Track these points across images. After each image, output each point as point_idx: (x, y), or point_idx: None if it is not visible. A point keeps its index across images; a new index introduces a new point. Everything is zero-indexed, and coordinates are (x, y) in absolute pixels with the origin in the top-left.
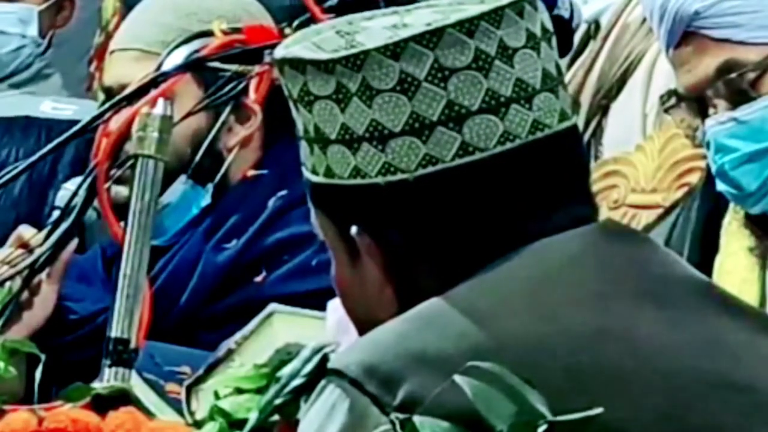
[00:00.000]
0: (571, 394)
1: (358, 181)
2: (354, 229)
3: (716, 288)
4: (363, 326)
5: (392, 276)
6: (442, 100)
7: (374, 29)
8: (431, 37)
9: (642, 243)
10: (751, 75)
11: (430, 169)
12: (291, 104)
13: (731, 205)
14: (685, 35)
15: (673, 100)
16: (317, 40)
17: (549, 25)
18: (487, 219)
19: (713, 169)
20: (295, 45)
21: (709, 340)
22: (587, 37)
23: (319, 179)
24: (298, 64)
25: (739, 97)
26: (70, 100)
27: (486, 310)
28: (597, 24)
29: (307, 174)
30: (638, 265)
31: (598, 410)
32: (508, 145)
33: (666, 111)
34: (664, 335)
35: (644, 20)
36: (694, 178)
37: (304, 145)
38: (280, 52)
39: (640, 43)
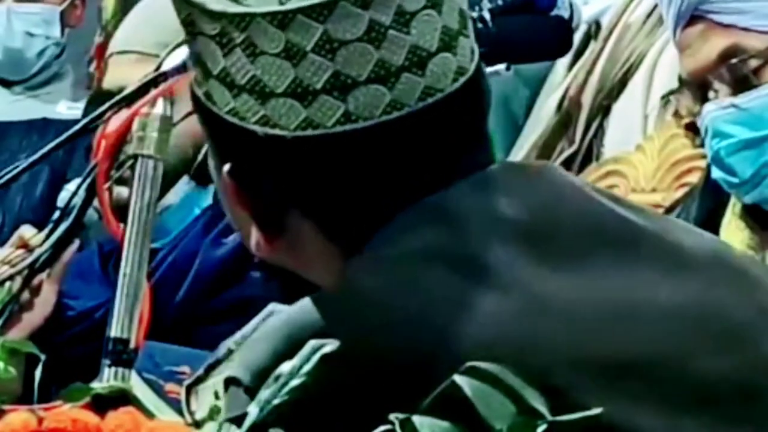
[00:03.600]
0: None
1: (236, 121)
2: (227, 167)
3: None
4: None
5: (259, 222)
6: (328, 70)
7: None
8: (322, 10)
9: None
10: (755, 62)
11: (310, 132)
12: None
13: (730, 205)
14: (692, 18)
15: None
16: None
17: None
18: (370, 182)
19: (709, 154)
20: None
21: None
22: (587, 38)
23: (199, 95)
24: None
25: (741, 83)
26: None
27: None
28: (598, 24)
29: (193, 81)
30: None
31: (598, 410)
32: (395, 114)
33: (669, 95)
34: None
35: (645, 21)
36: (694, 178)
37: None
38: None
39: (641, 43)
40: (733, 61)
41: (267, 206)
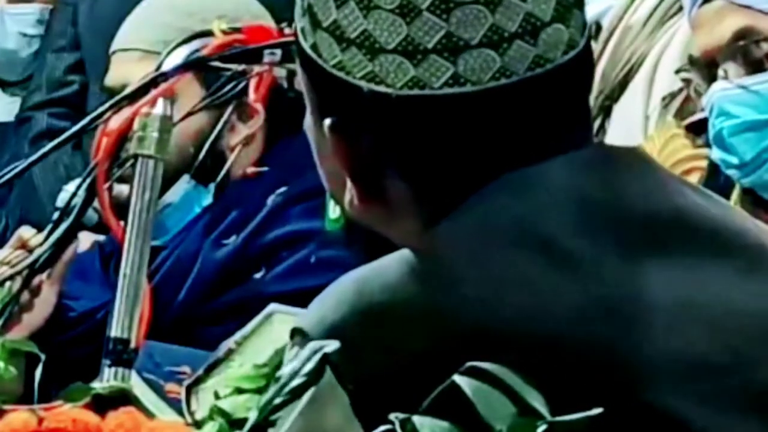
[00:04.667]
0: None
1: (342, 75)
2: (328, 121)
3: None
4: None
5: (356, 178)
6: (441, 30)
7: None
8: None
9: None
10: (767, 46)
11: (416, 91)
12: None
13: (731, 202)
14: None
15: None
16: None
17: None
18: (469, 149)
19: (711, 133)
20: None
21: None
22: (588, 38)
23: (306, 48)
24: None
25: (752, 65)
26: None
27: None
28: (598, 25)
29: (299, 32)
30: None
31: (598, 410)
32: (503, 81)
33: (677, 72)
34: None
35: (646, 22)
36: (694, 179)
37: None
38: None
39: (642, 44)
40: (746, 42)
41: (365, 163)
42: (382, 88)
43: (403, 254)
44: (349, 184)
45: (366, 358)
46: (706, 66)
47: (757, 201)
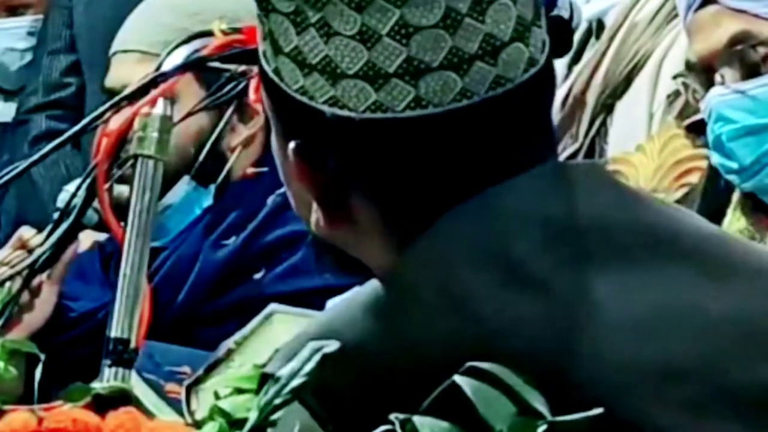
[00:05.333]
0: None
1: (305, 99)
2: (292, 145)
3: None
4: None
5: (321, 200)
6: (401, 55)
7: None
8: None
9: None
10: (764, 50)
11: (379, 115)
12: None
13: (731, 206)
14: (705, 1)
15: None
16: None
17: None
18: (434, 170)
19: (710, 138)
20: None
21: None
22: (588, 35)
23: (269, 72)
24: None
25: (749, 70)
26: None
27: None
28: (600, 23)
29: (261, 55)
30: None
31: (599, 410)
32: (464, 102)
33: (675, 77)
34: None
35: (652, 20)
36: (694, 179)
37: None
38: None
39: (647, 41)
40: (743, 46)
41: (330, 186)
42: (344, 113)
43: (371, 285)
44: (315, 206)
45: (337, 394)
46: (703, 71)
47: (758, 205)
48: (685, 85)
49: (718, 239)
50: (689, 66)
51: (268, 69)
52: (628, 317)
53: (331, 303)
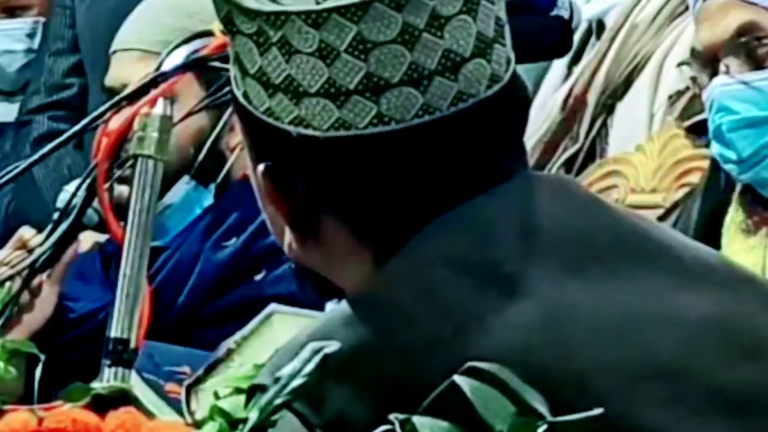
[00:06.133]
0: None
1: (271, 121)
2: (261, 167)
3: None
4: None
5: (292, 222)
6: (361, 71)
7: None
8: (356, 11)
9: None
10: None
11: (342, 132)
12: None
13: (731, 206)
14: None
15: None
16: None
17: None
18: (401, 187)
19: (710, 128)
20: None
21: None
22: (587, 36)
23: (239, 96)
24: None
25: (753, 61)
26: None
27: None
28: (600, 23)
29: (232, 82)
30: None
31: (599, 410)
32: (427, 118)
33: (679, 65)
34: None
35: (653, 21)
36: (695, 178)
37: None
38: None
39: (648, 42)
40: (749, 38)
41: (300, 207)
42: (309, 132)
43: (352, 298)
44: (287, 228)
45: (326, 405)
46: (708, 60)
47: (756, 198)
48: (694, 79)
49: (686, 247)
50: (694, 53)
51: (238, 93)
52: (608, 320)
53: (330, 305)
